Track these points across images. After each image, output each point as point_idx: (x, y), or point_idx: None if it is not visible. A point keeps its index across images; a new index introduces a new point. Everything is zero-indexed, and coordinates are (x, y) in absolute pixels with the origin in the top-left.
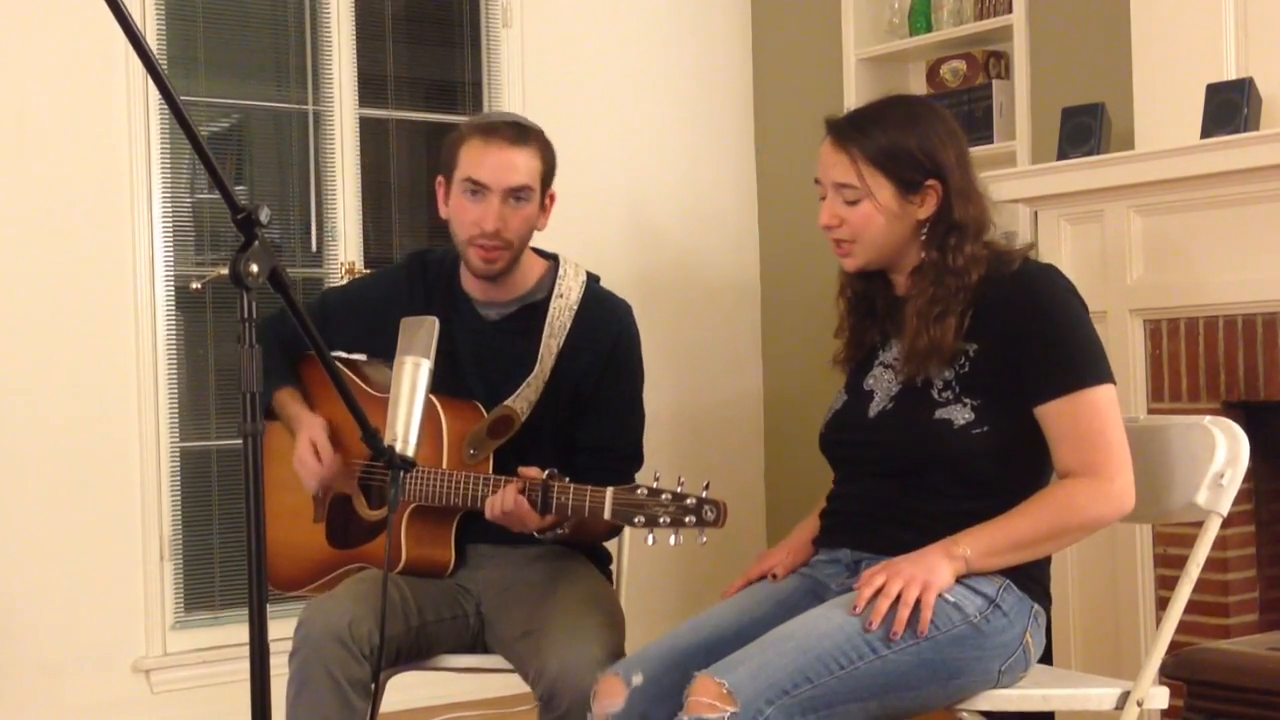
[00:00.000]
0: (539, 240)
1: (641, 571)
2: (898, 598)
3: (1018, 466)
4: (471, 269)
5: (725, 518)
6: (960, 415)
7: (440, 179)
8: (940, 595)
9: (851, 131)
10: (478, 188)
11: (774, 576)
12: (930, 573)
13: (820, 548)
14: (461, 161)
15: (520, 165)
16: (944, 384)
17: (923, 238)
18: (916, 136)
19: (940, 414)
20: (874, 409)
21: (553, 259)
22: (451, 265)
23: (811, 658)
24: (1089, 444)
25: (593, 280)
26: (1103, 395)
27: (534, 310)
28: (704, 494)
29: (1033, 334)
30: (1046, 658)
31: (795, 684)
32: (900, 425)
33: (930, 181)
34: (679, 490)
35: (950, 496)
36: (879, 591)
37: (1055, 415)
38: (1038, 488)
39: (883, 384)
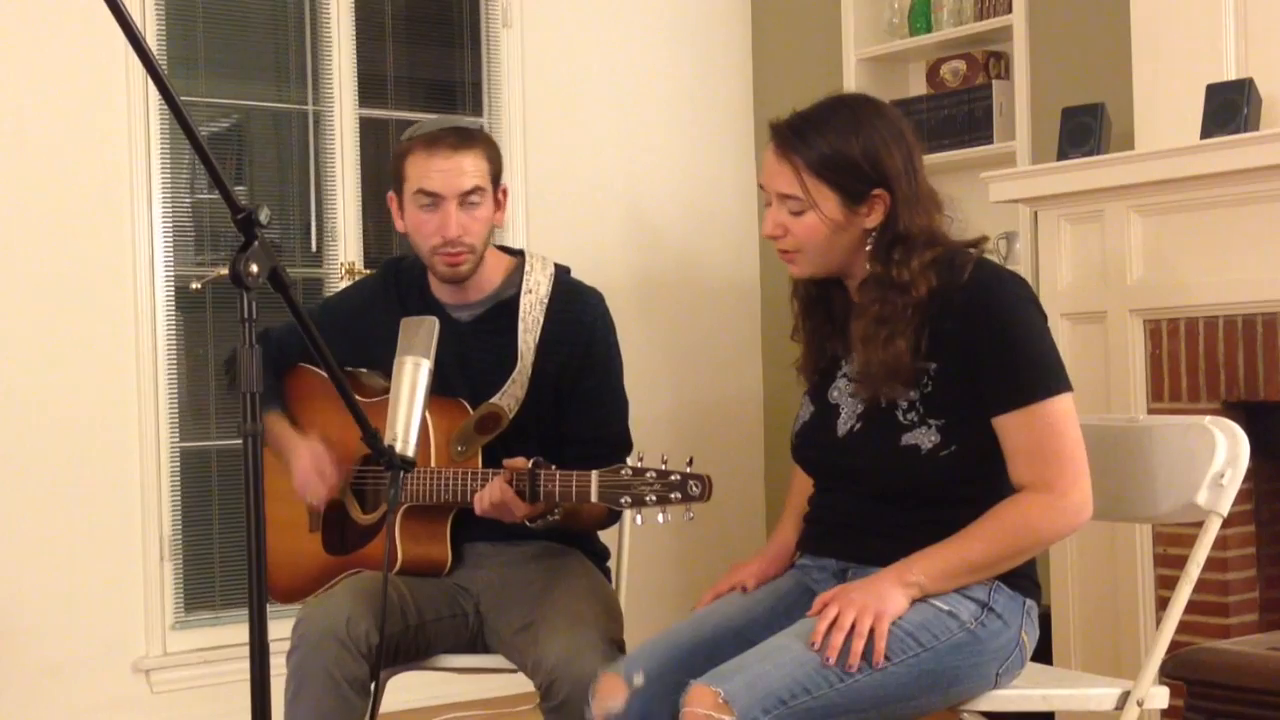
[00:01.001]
0: (545, 239)
1: (640, 569)
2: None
3: (992, 479)
4: (439, 276)
5: (710, 491)
6: (926, 439)
7: (391, 195)
8: (933, 604)
9: (793, 139)
10: (430, 197)
11: (744, 589)
12: (882, 601)
13: (806, 553)
14: (409, 175)
15: (468, 168)
16: (908, 405)
17: (867, 249)
18: (861, 143)
19: (906, 439)
20: (842, 427)
21: (518, 254)
22: (421, 272)
23: (809, 669)
24: (1044, 458)
25: (562, 272)
26: (1059, 406)
27: (505, 308)
28: (688, 469)
29: (988, 347)
30: (1047, 657)
31: (793, 695)
32: (869, 451)
33: (877, 191)
34: (663, 468)
35: (928, 510)
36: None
37: (1011, 428)
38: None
39: (847, 400)
